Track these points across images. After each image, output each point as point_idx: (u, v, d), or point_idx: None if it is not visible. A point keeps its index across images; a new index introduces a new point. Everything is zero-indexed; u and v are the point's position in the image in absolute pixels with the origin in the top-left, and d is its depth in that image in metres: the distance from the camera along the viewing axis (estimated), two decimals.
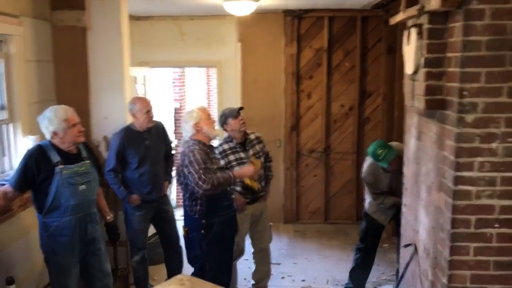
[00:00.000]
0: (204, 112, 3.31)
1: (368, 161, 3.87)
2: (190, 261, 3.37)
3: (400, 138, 5.39)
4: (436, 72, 2.47)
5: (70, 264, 3.10)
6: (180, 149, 3.38)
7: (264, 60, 5.94)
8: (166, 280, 4.31)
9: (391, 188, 3.86)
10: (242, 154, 3.84)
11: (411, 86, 2.73)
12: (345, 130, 6.08)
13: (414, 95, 2.68)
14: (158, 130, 4.07)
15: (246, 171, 3.36)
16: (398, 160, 3.61)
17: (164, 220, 4.14)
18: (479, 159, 2.32)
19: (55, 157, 2.99)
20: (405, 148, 3.22)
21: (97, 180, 3.22)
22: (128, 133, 3.89)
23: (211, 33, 6.02)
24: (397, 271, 4.21)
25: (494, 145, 2.31)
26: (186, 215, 3.26)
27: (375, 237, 4.12)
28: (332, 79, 5.97)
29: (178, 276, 2.76)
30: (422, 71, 2.52)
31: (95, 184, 3.18)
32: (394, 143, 3.98)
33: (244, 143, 3.91)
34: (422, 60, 2.52)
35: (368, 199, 4.05)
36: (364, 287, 4.20)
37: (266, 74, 5.96)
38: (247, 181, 3.44)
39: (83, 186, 3.06)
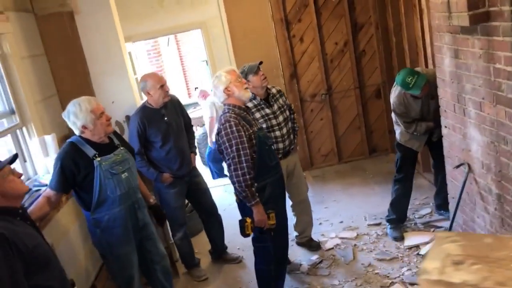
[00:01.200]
0: (233, 74, 3.17)
1: (396, 92, 3.82)
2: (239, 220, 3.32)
3: (402, 65, 5.40)
4: None
5: (130, 253, 3.05)
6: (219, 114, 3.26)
7: (250, 12, 5.71)
8: (210, 249, 4.31)
9: (422, 114, 3.83)
10: (267, 110, 3.75)
11: (446, 6, 2.65)
12: (343, 67, 6.00)
13: (451, 13, 2.60)
14: (173, 103, 3.93)
15: (259, 220, 3.10)
16: (427, 85, 3.58)
17: (199, 192, 4.08)
18: None
19: (90, 151, 2.86)
20: (438, 70, 3.17)
21: (135, 165, 3.11)
22: (146, 112, 3.74)
23: None
24: (437, 193, 4.29)
25: None
26: (233, 180, 3.18)
27: (411, 165, 4.14)
28: (321, 18, 5.82)
29: (440, 234, 2.17)
30: None
31: (134, 170, 3.09)
32: (418, 69, 3.92)
33: (267, 98, 3.80)
34: None
35: (398, 129, 4.03)
36: (406, 215, 4.26)
37: (254, 26, 5.75)
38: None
39: (125, 174, 2.96)
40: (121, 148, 3.03)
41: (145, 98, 3.85)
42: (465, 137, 2.97)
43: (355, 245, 4.19)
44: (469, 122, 2.87)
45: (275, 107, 3.82)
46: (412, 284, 3.44)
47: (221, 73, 3.17)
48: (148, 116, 3.73)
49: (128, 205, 2.99)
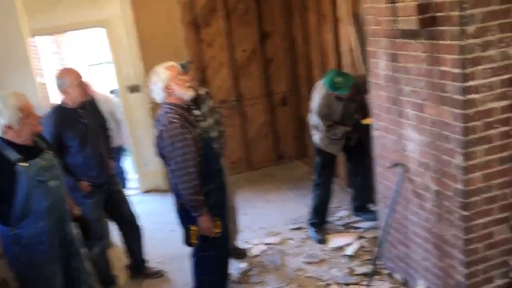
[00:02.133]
0: (174, 70, 2.92)
1: (321, 94, 3.88)
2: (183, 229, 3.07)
3: (309, 74, 5.57)
4: None
5: (55, 274, 2.66)
6: (159, 115, 2.97)
7: (159, 13, 5.47)
8: (128, 264, 3.98)
9: (342, 118, 3.95)
10: (196, 112, 3.56)
11: (391, 10, 2.75)
12: (252, 74, 6.01)
13: (398, 17, 2.71)
14: (91, 103, 3.56)
15: (206, 228, 2.93)
16: (352, 88, 3.70)
17: (119, 201, 3.74)
18: (480, 67, 2.47)
19: (13, 155, 2.44)
20: (371, 74, 3.28)
21: (62, 172, 2.72)
22: (61, 113, 3.33)
23: None
24: (354, 196, 4.44)
25: (491, 51, 2.47)
26: (176, 188, 2.92)
27: (331, 169, 4.24)
28: (231, 24, 5.78)
29: None
30: None
31: (62, 177, 2.69)
32: (343, 71, 4.03)
33: (196, 100, 3.61)
34: None
35: (317, 134, 4.09)
36: (326, 219, 4.34)
37: (163, 27, 5.51)
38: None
39: (55, 182, 2.58)
40: (49, 151, 2.64)
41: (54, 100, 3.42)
42: (401, 138, 3.10)
43: (281, 250, 4.16)
44: (407, 123, 3.00)
45: (204, 109, 3.65)
46: (347, 284, 3.49)
47: (160, 69, 2.92)
48: (64, 117, 3.33)
49: (55, 217, 2.60)
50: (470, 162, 2.59)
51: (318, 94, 3.91)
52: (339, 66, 4.77)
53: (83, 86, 3.34)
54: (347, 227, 4.36)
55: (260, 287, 3.68)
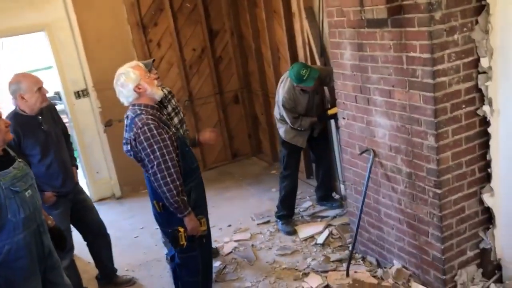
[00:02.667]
0: (140, 69, 2.82)
1: (286, 86, 3.92)
2: (169, 238, 2.98)
3: (262, 70, 5.61)
4: None
5: None
6: (129, 117, 2.85)
7: (104, 14, 5.29)
8: (98, 275, 3.83)
9: (307, 109, 4.02)
10: (169, 109, 3.50)
11: (356, 1, 2.83)
12: (202, 73, 5.96)
13: (364, 7, 2.80)
14: (49, 109, 3.38)
15: (193, 228, 2.87)
16: (317, 80, 3.78)
17: (85, 210, 3.57)
18: (447, 51, 2.61)
19: None
20: (335, 65, 3.36)
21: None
22: (19, 121, 3.13)
23: None
24: (318, 186, 4.53)
25: (456, 36, 2.62)
26: (155, 188, 2.83)
27: (297, 161, 4.31)
28: (178, 23, 5.70)
29: None
30: None
31: (36, 186, 2.54)
32: (308, 64, 4.09)
33: (161, 99, 3.53)
34: None
35: (282, 127, 4.15)
36: (294, 210, 4.40)
37: (109, 29, 5.34)
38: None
39: (29, 191, 2.43)
40: (19, 160, 2.47)
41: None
42: (369, 125, 3.20)
43: (252, 245, 4.17)
44: (375, 110, 3.11)
45: (169, 108, 3.58)
46: (325, 271, 3.56)
47: (128, 69, 2.80)
48: (22, 125, 3.13)
49: (32, 229, 2.45)
50: (441, 142, 2.73)
51: (282, 87, 3.96)
52: (293, 60, 4.84)
53: (42, 92, 3.15)
54: (314, 217, 4.44)
55: (238, 284, 3.67)
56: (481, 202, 2.95)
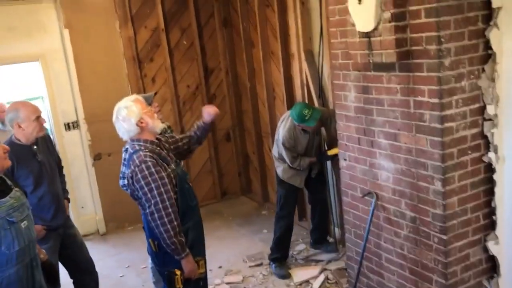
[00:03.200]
0: (141, 103, 2.75)
1: (287, 125, 3.91)
2: (164, 279, 2.84)
3: (256, 108, 5.62)
4: (402, 25, 2.66)
5: None
6: (128, 152, 2.76)
7: (100, 46, 5.27)
8: None
9: (306, 149, 4.00)
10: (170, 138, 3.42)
11: (366, 44, 2.86)
12: (195, 110, 5.93)
13: (372, 51, 2.83)
14: (44, 139, 3.29)
15: (190, 271, 2.74)
16: (318, 121, 3.78)
17: (74, 246, 3.43)
18: (455, 97, 2.64)
19: None
20: (339, 107, 3.37)
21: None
22: (14, 149, 2.98)
23: (27, 21, 5.00)
24: (313, 228, 4.45)
25: (463, 83, 2.65)
26: (151, 226, 2.72)
27: (294, 201, 4.25)
28: (174, 59, 5.72)
29: None
30: (388, 26, 2.67)
31: (32, 217, 2.42)
32: (310, 105, 4.09)
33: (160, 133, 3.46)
34: (386, 16, 2.67)
35: (281, 167, 4.11)
36: (289, 252, 4.30)
37: (105, 62, 5.32)
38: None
39: (25, 223, 2.32)
40: (16, 189, 2.36)
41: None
42: (373, 167, 3.18)
43: None
44: (379, 152, 3.10)
45: (168, 142, 3.50)
46: None
47: (130, 103, 2.71)
48: (17, 154, 3.02)
49: (25, 263, 2.32)
50: (448, 187, 2.71)
51: (283, 126, 3.94)
52: (289, 100, 4.86)
53: (40, 121, 3.07)
54: (308, 260, 4.34)
55: None
56: (485, 249, 2.91)
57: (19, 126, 3.01)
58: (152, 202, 2.59)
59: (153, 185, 2.59)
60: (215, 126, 6.06)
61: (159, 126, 2.79)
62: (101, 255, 4.95)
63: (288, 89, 4.88)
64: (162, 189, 2.60)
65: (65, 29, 5.08)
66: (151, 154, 2.65)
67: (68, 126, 5.36)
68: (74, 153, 5.42)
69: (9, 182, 2.39)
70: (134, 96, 2.83)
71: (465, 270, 2.87)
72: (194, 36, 5.75)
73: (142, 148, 2.68)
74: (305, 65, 4.40)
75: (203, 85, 5.89)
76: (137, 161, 2.61)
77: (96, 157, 5.41)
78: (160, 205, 2.59)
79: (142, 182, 2.59)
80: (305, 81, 4.46)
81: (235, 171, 6.28)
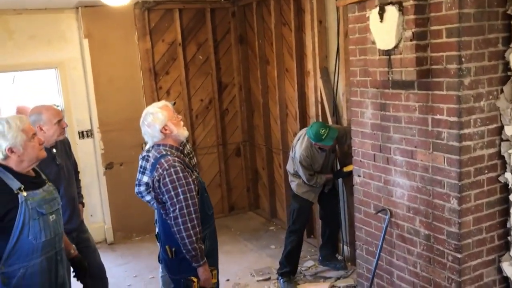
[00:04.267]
0: (169, 110, 2.80)
1: (303, 144, 3.95)
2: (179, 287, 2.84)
3: (267, 124, 5.66)
4: (423, 44, 2.71)
5: None
6: (153, 156, 2.80)
7: (118, 57, 5.36)
8: None
9: (322, 167, 4.04)
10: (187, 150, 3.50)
11: (385, 62, 2.92)
12: (207, 124, 6.00)
13: (392, 68, 2.88)
14: (63, 143, 3.33)
15: (205, 279, 2.74)
16: (335, 140, 3.82)
17: (88, 250, 3.42)
18: (474, 116, 2.67)
19: (15, 183, 2.26)
20: (355, 123, 3.41)
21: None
22: None
23: (48, 30, 5.11)
24: (323, 244, 4.45)
25: (482, 103, 2.69)
26: (169, 233, 2.74)
27: (307, 216, 4.27)
28: (189, 73, 5.80)
29: None
30: (408, 45, 2.73)
31: (61, 212, 2.47)
32: (327, 124, 4.13)
33: None
34: (407, 34, 2.73)
35: (295, 181, 4.14)
36: (297, 267, 4.29)
37: (121, 72, 5.39)
38: None
39: (53, 216, 2.37)
40: (49, 184, 2.42)
41: None
42: (387, 184, 3.20)
43: None
44: (394, 169, 3.12)
45: (185, 152, 3.55)
46: None
47: (156, 110, 2.76)
48: None
49: (50, 256, 2.37)
50: (464, 206, 2.72)
51: (300, 145, 3.98)
52: (302, 117, 4.91)
53: (61, 125, 3.12)
54: (316, 277, 4.33)
55: None
56: (499, 270, 2.91)
57: (41, 129, 3.06)
58: (178, 206, 2.61)
59: (179, 190, 2.61)
60: (226, 141, 6.12)
61: (184, 134, 2.82)
62: (108, 264, 4.91)
63: (301, 106, 4.94)
64: (188, 195, 2.62)
65: (84, 39, 5.17)
66: (178, 159, 2.68)
67: (82, 135, 5.41)
68: (87, 161, 5.45)
69: (43, 176, 2.45)
70: (163, 103, 2.87)
71: None
72: (210, 51, 5.84)
73: (169, 152, 2.71)
74: (320, 83, 4.45)
75: (216, 100, 5.96)
76: (165, 165, 2.63)
77: (108, 166, 5.45)
78: (185, 210, 2.61)
79: (169, 186, 2.61)
80: (319, 99, 4.51)
81: (243, 186, 6.30)
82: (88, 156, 5.46)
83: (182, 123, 2.87)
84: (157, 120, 2.72)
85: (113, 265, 4.93)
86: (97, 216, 5.60)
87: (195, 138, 5.91)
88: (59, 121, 3.11)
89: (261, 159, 6.04)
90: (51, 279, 2.37)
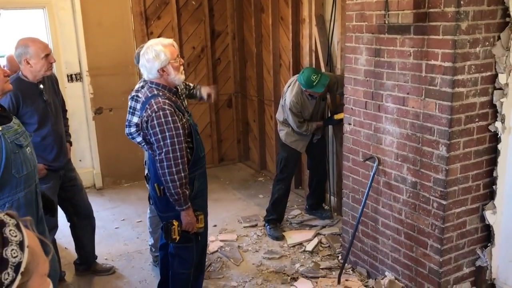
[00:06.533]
0: (173, 51, 2.67)
1: (294, 91, 3.89)
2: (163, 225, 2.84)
3: (260, 75, 5.59)
4: None
5: None
6: (144, 94, 2.74)
7: None
8: (76, 260, 3.67)
9: (312, 115, 4.01)
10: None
11: (382, 4, 2.84)
12: (199, 73, 5.91)
13: (389, 11, 2.81)
14: (51, 79, 3.27)
15: (188, 223, 2.73)
16: (326, 87, 3.77)
17: (74, 189, 3.43)
18: (468, 62, 2.64)
19: None
20: (348, 70, 3.35)
21: None
22: (21, 85, 2.99)
23: None
24: (311, 193, 4.48)
25: (478, 49, 2.64)
26: (156, 172, 2.72)
27: (294, 165, 4.27)
28: (181, 19, 5.66)
29: None
30: None
31: (32, 145, 2.44)
32: (318, 70, 4.06)
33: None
34: None
35: (284, 130, 4.11)
36: (284, 215, 4.34)
37: (112, 15, 5.24)
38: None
39: (29, 149, 2.34)
40: (15, 117, 2.37)
41: None
42: (377, 132, 3.19)
43: (238, 246, 4.07)
44: (385, 117, 3.10)
45: (178, 93, 3.49)
46: (315, 277, 3.49)
47: (160, 48, 2.61)
48: (23, 90, 3.00)
49: (31, 188, 2.35)
50: (452, 153, 2.73)
51: (290, 91, 3.93)
52: (296, 67, 4.84)
53: (49, 59, 3.04)
54: (303, 225, 4.38)
55: (224, 282, 3.55)
56: (482, 219, 2.95)
57: (27, 63, 2.98)
58: (164, 150, 2.58)
59: (167, 133, 2.57)
60: (218, 91, 6.04)
61: (180, 79, 2.73)
62: (96, 208, 4.91)
63: (295, 56, 4.86)
64: (175, 139, 2.58)
65: None
66: (168, 102, 2.62)
67: (71, 78, 5.31)
68: (75, 106, 5.37)
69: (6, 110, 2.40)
70: (169, 41, 2.73)
71: (461, 237, 2.91)
72: None
73: (161, 94, 2.65)
74: (315, 31, 4.36)
75: (209, 48, 5.84)
76: (155, 107, 2.58)
77: (97, 111, 5.39)
78: (171, 155, 2.58)
79: (157, 129, 2.57)
80: (313, 47, 4.43)
81: (234, 138, 6.28)
82: (77, 100, 5.37)
83: (182, 67, 2.78)
84: (158, 59, 2.61)
85: (101, 208, 4.96)
86: (85, 161, 5.57)
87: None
88: (47, 56, 3.03)
89: (252, 111, 6.00)
90: (33, 212, 2.36)
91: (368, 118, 3.26)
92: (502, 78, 2.71)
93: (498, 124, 2.78)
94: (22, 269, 0.89)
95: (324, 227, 4.28)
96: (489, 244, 2.99)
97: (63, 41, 5.18)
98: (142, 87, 3.10)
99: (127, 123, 3.31)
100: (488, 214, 2.92)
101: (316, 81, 3.70)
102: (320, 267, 3.63)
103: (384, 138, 3.15)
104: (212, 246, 4.05)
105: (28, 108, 3.01)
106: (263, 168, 5.92)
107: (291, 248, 4.00)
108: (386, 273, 3.29)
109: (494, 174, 2.88)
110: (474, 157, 2.82)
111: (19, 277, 0.88)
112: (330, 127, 4.37)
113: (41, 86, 3.10)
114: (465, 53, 2.61)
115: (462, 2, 2.52)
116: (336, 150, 4.36)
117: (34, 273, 0.92)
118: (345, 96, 3.46)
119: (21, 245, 0.90)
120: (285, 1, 4.91)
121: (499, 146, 2.83)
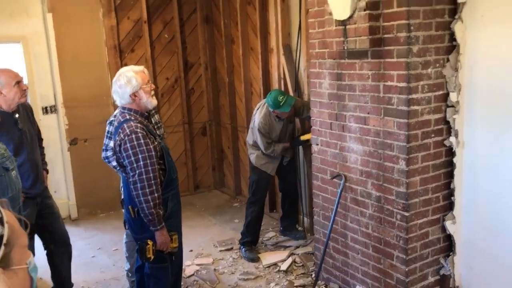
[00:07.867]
0: (144, 77, 2.81)
1: (262, 112, 4.07)
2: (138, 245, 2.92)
3: (233, 103, 5.77)
4: (375, 14, 2.87)
5: None
6: (117, 119, 2.86)
7: (83, 33, 5.34)
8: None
9: (280, 136, 4.18)
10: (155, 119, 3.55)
11: (341, 32, 3.06)
12: (173, 102, 6.06)
13: (347, 38, 3.03)
14: (25, 108, 3.35)
15: (162, 243, 2.83)
16: (293, 108, 3.96)
17: (51, 216, 3.47)
18: (421, 82, 2.85)
19: None
20: (314, 94, 3.55)
21: None
22: None
23: (9, 4, 5.04)
24: (284, 216, 4.60)
25: (429, 70, 2.87)
26: (130, 194, 2.81)
27: (265, 188, 4.40)
28: (154, 51, 5.84)
29: None
30: (362, 14, 2.88)
31: (17, 169, 2.52)
32: (285, 92, 4.26)
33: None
34: (361, 4, 2.88)
35: (254, 153, 4.26)
36: (259, 237, 4.43)
37: (86, 49, 5.39)
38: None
39: (14, 172, 2.41)
40: (1, 143, 2.45)
41: None
42: (342, 150, 3.36)
43: (215, 269, 4.14)
44: (349, 136, 3.29)
45: (153, 121, 3.62)
46: None
47: (131, 74, 2.76)
48: None
49: (16, 210, 2.40)
50: (412, 167, 2.91)
51: (259, 113, 4.10)
52: (266, 95, 5.03)
53: (21, 87, 3.14)
54: (277, 246, 4.48)
55: None
56: (443, 229, 3.12)
57: (0, 92, 3.07)
58: (137, 172, 2.69)
59: (140, 155, 2.69)
60: (192, 120, 6.20)
61: (152, 103, 2.87)
62: (72, 238, 4.83)
63: (265, 84, 5.06)
64: (148, 161, 2.70)
65: (48, 13, 5.13)
66: (140, 125, 2.74)
67: (46, 110, 5.38)
68: (50, 137, 5.41)
69: None
70: (141, 68, 2.88)
71: (424, 247, 3.07)
72: (176, 30, 5.88)
73: (133, 118, 2.77)
74: (283, 60, 4.58)
75: (182, 79, 6.02)
76: (127, 131, 2.70)
77: (72, 142, 5.45)
78: (144, 176, 2.69)
79: (130, 152, 2.69)
80: (282, 75, 4.65)
81: (209, 165, 6.40)
82: (52, 131, 5.43)
83: (153, 92, 2.91)
84: (129, 84, 2.75)
85: (77, 238, 4.96)
86: (61, 192, 5.59)
87: (161, 116, 5.94)
88: (18, 83, 3.12)
89: (226, 138, 6.15)
90: None
91: (333, 138, 3.44)
92: (453, 96, 2.93)
93: (452, 139, 2.99)
94: (4, 241, 1.00)
95: (298, 247, 4.40)
96: (451, 253, 3.15)
97: (38, 74, 5.28)
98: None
99: (104, 147, 3.41)
100: (448, 224, 3.09)
101: (283, 101, 3.88)
102: (294, 285, 3.73)
103: (349, 156, 3.32)
104: (188, 270, 4.10)
105: (3, 137, 3.07)
106: (238, 194, 6.03)
107: (266, 268, 4.09)
108: (357, 287, 3.41)
109: (452, 186, 3.07)
110: (432, 171, 3.01)
111: (2, 247, 0.99)
112: (301, 149, 4.54)
113: (16, 115, 3.18)
114: (418, 74, 2.83)
115: (412, 28, 2.75)
116: (307, 172, 4.51)
117: (16, 245, 1.04)
118: (311, 118, 3.65)
119: (1, 221, 1.01)
120: (254, 32, 5.14)
121: (455, 160, 3.03)
